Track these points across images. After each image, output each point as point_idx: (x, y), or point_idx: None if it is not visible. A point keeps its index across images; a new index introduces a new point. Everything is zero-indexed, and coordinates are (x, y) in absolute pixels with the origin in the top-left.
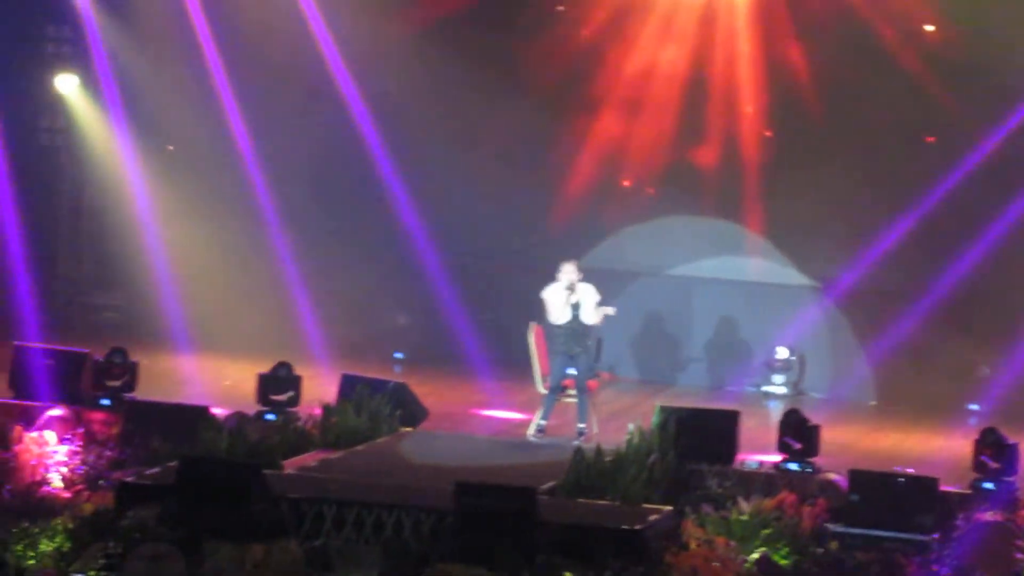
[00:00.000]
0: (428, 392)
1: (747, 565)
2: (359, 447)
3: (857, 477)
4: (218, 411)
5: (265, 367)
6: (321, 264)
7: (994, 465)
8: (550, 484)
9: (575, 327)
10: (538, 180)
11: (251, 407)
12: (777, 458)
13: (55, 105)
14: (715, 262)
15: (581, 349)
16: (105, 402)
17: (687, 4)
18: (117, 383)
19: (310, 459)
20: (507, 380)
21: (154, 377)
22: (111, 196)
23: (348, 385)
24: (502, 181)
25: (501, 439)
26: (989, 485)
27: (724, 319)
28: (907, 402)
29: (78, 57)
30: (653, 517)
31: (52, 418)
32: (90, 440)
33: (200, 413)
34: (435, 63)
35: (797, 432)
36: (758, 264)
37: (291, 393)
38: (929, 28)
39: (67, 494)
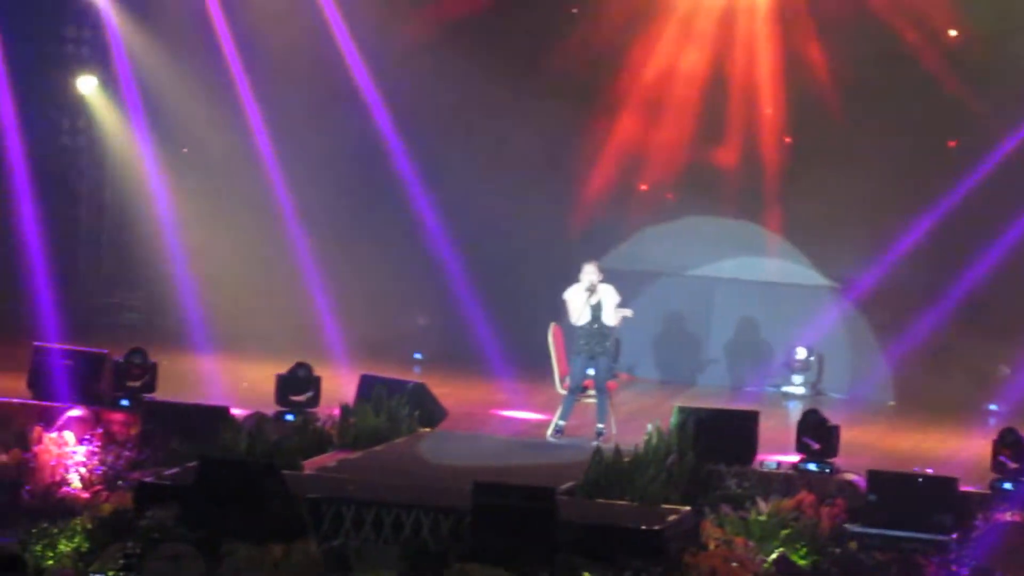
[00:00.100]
0: (447, 392)
1: (766, 565)
2: (378, 447)
3: (876, 477)
4: (237, 412)
5: (284, 368)
6: (340, 264)
7: (1013, 465)
8: (569, 484)
9: (596, 328)
10: (559, 181)
11: (270, 407)
12: (796, 458)
13: (75, 106)
14: (735, 263)
15: (601, 350)
16: (124, 403)
17: (707, 5)
18: (136, 384)
19: (329, 459)
20: (526, 381)
21: (173, 378)
22: (131, 196)
23: (367, 385)
24: (523, 181)
25: (520, 439)
26: (1008, 485)
27: (743, 319)
28: (926, 402)
29: (98, 58)
30: (672, 517)
31: (71, 419)
32: (109, 441)
33: (219, 414)
34: (455, 63)
35: (816, 432)
36: (778, 265)
37: (310, 393)
38: (952, 33)
39: (86, 494)
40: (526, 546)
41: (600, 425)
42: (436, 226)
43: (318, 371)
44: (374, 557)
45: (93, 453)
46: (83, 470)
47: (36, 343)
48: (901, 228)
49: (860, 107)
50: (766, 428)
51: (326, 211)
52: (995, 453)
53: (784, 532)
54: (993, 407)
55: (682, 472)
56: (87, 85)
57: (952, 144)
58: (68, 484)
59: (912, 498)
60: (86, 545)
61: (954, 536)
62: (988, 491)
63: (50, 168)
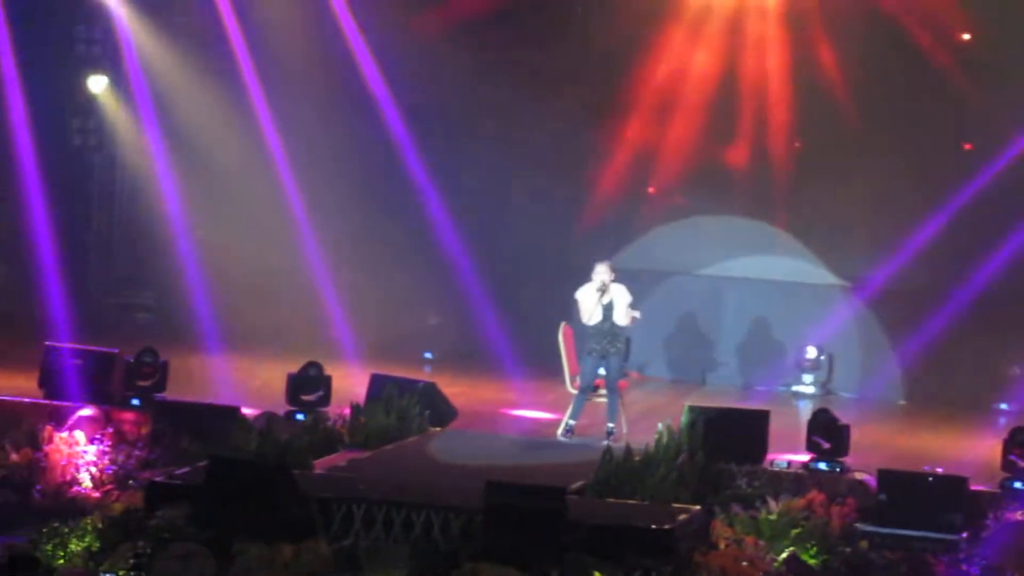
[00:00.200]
0: (457, 392)
1: (776, 565)
2: (388, 447)
3: (886, 477)
4: (248, 411)
5: (295, 367)
6: (351, 264)
7: (1023, 464)
8: (579, 484)
9: (607, 328)
10: (570, 180)
11: (281, 407)
12: (806, 458)
13: (86, 106)
14: (745, 262)
15: (613, 350)
16: (135, 402)
17: (718, 6)
18: (147, 383)
19: (339, 459)
20: (536, 380)
21: (184, 377)
22: (142, 196)
23: (378, 385)
24: (534, 181)
25: (530, 439)
26: (1019, 484)
27: (754, 319)
28: (936, 402)
29: (109, 58)
30: (682, 517)
31: (82, 418)
32: (120, 440)
33: (230, 413)
34: (467, 63)
35: (826, 432)
36: (788, 264)
37: (321, 393)
38: (965, 36)
39: (97, 494)
40: (536, 545)
41: (610, 424)
42: (447, 226)
43: (329, 370)
44: (384, 556)
45: (104, 452)
46: (94, 469)
47: (47, 342)
48: (912, 227)
49: (871, 106)
50: (776, 427)
51: (337, 211)
52: (1005, 452)
53: (794, 531)
54: (1003, 406)
55: (692, 471)
56: (98, 85)
57: (968, 147)
58: (79, 483)
59: (922, 497)
60: (97, 544)
61: (964, 535)
62: (998, 490)
63: (61, 168)
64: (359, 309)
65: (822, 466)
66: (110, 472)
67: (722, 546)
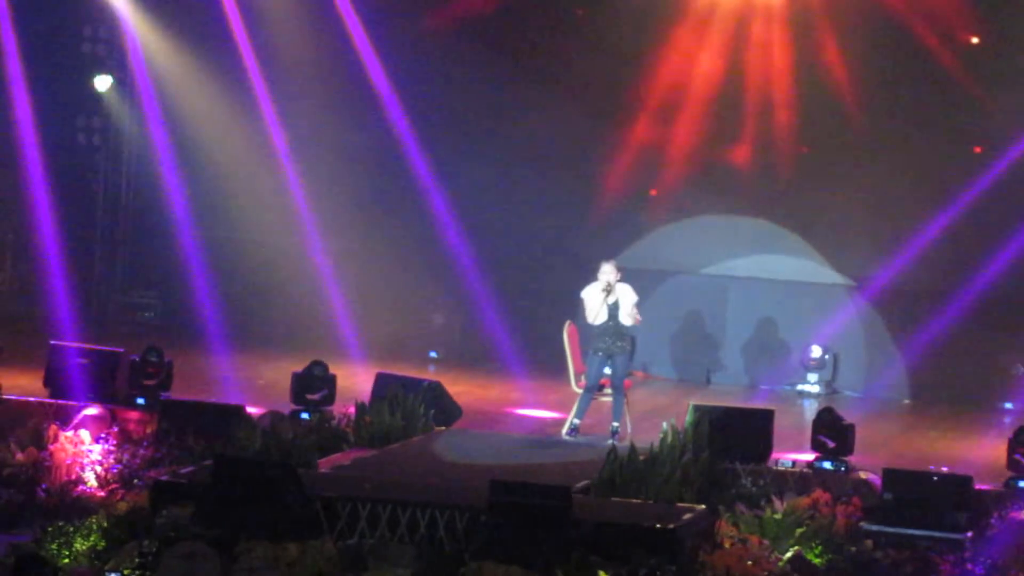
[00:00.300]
0: (462, 391)
1: (781, 564)
2: (393, 446)
3: (891, 476)
4: (253, 410)
5: (300, 366)
6: (356, 263)
7: None
8: (584, 483)
9: (613, 327)
10: (575, 179)
11: (286, 406)
12: (811, 457)
13: (91, 105)
14: (750, 261)
15: (619, 349)
16: (140, 401)
17: (724, 6)
18: (152, 382)
19: (344, 458)
20: (541, 379)
21: (189, 376)
22: (147, 195)
23: (383, 384)
24: (539, 180)
25: (535, 438)
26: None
27: (759, 318)
28: (941, 400)
29: (114, 57)
30: (687, 516)
31: (87, 417)
32: (125, 439)
33: (235, 412)
34: (473, 63)
35: (831, 430)
36: (793, 263)
37: (326, 392)
38: (974, 40)
39: (102, 493)
40: (541, 544)
41: (615, 423)
42: (452, 225)
43: (334, 369)
44: (390, 555)
45: (109, 452)
46: (99, 468)
47: (52, 341)
48: (917, 226)
49: (876, 106)
50: (781, 426)
51: (342, 210)
52: (1011, 451)
53: (799, 531)
54: (1008, 405)
55: (697, 471)
56: (104, 84)
57: (978, 150)
58: (84, 483)
59: (927, 496)
60: (102, 543)
61: (969, 534)
62: (1003, 489)
63: (66, 166)
64: (364, 308)
65: (827, 465)
66: (115, 471)
67: (727, 545)
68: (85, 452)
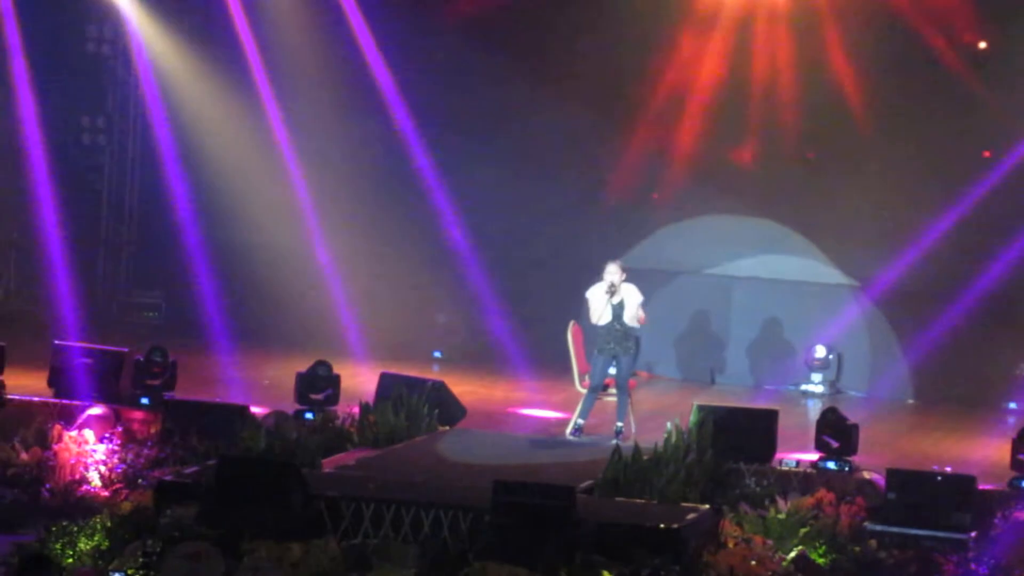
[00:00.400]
0: (466, 391)
1: (785, 564)
2: (397, 446)
3: (895, 476)
4: (257, 410)
5: (304, 366)
6: (361, 263)
7: None
8: (588, 483)
9: (617, 328)
10: (579, 179)
11: (290, 406)
12: (815, 457)
13: (96, 104)
14: (754, 261)
15: (623, 350)
16: (144, 401)
17: (730, 7)
18: (156, 382)
19: (348, 458)
20: (545, 379)
21: (193, 376)
22: (152, 195)
23: (387, 384)
24: (543, 180)
25: (539, 438)
26: None
27: (763, 318)
28: (945, 400)
29: (119, 56)
30: (691, 516)
31: (91, 417)
32: (129, 439)
33: (239, 412)
34: (477, 62)
35: (835, 430)
36: (797, 263)
37: (330, 392)
38: (982, 45)
39: (106, 493)
40: (545, 544)
41: (619, 423)
42: (456, 225)
43: (338, 369)
44: (394, 555)
45: (113, 451)
46: (103, 468)
47: (56, 341)
48: (921, 226)
49: (880, 106)
50: (785, 426)
51: (346, 209)
52: (1014, 451)
53: (803, 530)
54: (1012, 405)
55: (701, 470)
56: (108, 84)
57: (987, 155)
58: (88, 482)
59: (931, 496)
60: (106, 543)
61: (973, 535)
62: (1007, 489)
63: (71, 166)
64: (368, 308)
65: (831, 465)
66: (119, 471)
67: (731, 545)
68: (89, 452)
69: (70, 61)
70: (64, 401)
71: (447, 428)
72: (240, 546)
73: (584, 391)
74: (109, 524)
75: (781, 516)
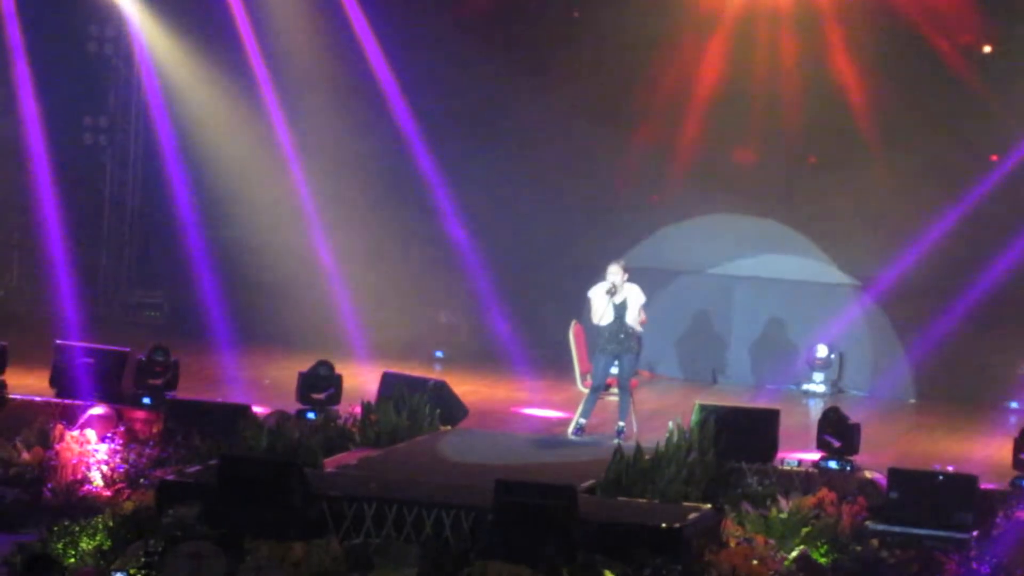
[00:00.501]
0: (468, 391)
1: (786, 563)
2: (399, 445)
3: (896, 475)
4: (259, 409)
5: (306, 365)
6: (362, 263)
7: None
8: (590, 482)
9: (620, 328)
10: (582, 179)
11: (292, 405)
12: (816, 456)
13: (98, 104)
14: (755, 260)
15: (625, 350)
16: (146, 400)
17: (732, 8)
18: (158, 381)
19: (350, 457)
20: (547, 378)
21: (195, 375)
22: (153, 195)
23: (388, 383)
24: (546, 179)
25: (541, 437)
26: None
27: (764, 317)
28: (947, 400)
29: (121, 56)
30: (692, 515)
31: (93, 416)
32: (131, 438)
33: (241, 411)
34: (480, 62)
35: (837, 430)
36: (799, 262)
37: (331, 391)
38: (987, 49)
39: (108, 492)
40: (547, 544)
41: (621, 423)
42: (458, 224)
43: (340, 369)
44: (395, 555)
45: (115, 451)
46: (105, 468)
47: (58, 341)
48: (922, 225)
49: (882, 106)
50: (787, 426)
51: (348, 209)
52: (1016, 451)
53: (805, 530)
54: (1014, 404)
55: (703, 470)
56: (110, 83)
57: (994, 158)
58: (90, 482)
59: (933, 496)
60: (108, 543)
61: (974, 534)
62: (1009, 489)
63: (73, 166)
64: (370, 307)
65: (832, 465)
66: (121, 471)
67: (732, 545)
68: (91, 452)
69: (72, 61)
70: (66, 401)
71: (449, 428)
72: (242, 546)
73: (586, 391)
74: (111, 524)
75: (783, 515)
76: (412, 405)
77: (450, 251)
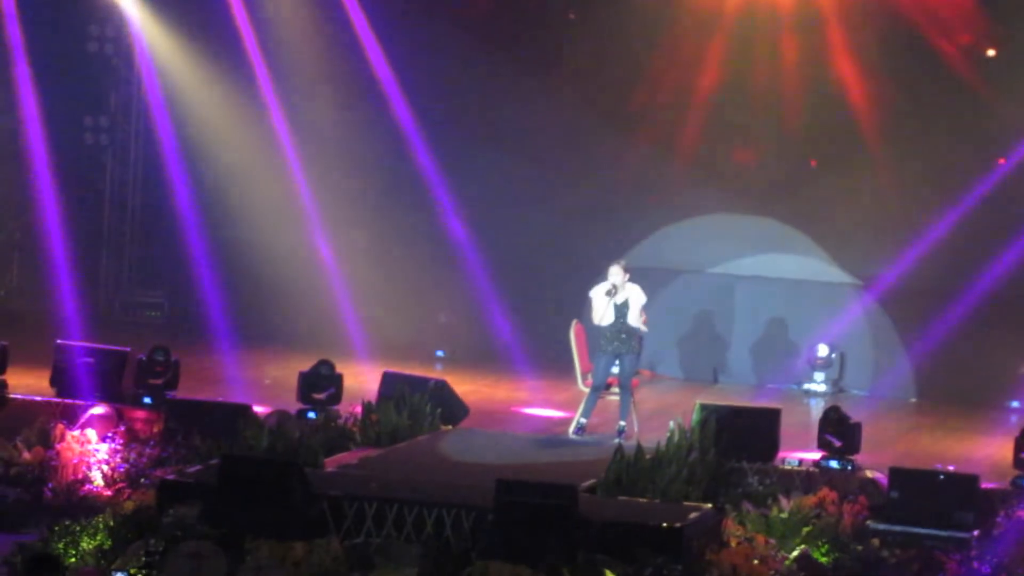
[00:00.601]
0: (469, 390)
1: (787, 563)
2: (400, 445)
3: (897, 474)
4: (259, 409)
5: (306, 365)
6: (363, 262)
7: None
8: (591, 482)
9: (621, 327)
10: (582, 178)
11: (292, 405)
12: (817, 456)
13: (99, 104)
14: (756, 260)
15: (627, 350)
16: (147, 400)
17: (731, 5)
18: (159, 381)
19: (351, 457)
20: (548, 378)
21: (196, 375)
22: (154, 194)
23: (389, 383)
24: (546, 179)
25: (542, 437)
26: None
27: (765, 317)
28: (948, 399)
29: (121, 56)
30: (693, 515)
31: (94, 416)
32: (132, 438)
33: (241, 411)
34: (481, 62)
35: (838, 429)
36: (800, 262)
37: (332, 391)
38: (990, 52)
39: (108, 492)
40: (548, 543)
41: (622, 422)
42: (459, 223)
43: (340, 368)
44: (396, 554)
45: (115, 451)
46: (105, 468)
47: (58, 340)
48: (924, 225)
49: (883, 105)
50: (788, 425)
51: (349, 208)
52: (1017, 450)
53: (806, 529)
54: (1015, 404)
55: (704, 470)
56: (111, 83)
57: (1001, 161)
58: (90, 482)
59: (934, 495)
60: (108, 543)
61: (975, 533)
62: (1010, 488)
63: (73, 166)
64: (371, 307)
65: (833, 464)
66: (122, 470)
67: (733, 544)
68: (92, 451)
69: (72, 61)
70: (67, 400)
71: (450, 427)
72: (243, 545)
73: (587, 390)
74: (112, 523)
75: (784, 515)
76: (413, 405)
77: (451, 250)
